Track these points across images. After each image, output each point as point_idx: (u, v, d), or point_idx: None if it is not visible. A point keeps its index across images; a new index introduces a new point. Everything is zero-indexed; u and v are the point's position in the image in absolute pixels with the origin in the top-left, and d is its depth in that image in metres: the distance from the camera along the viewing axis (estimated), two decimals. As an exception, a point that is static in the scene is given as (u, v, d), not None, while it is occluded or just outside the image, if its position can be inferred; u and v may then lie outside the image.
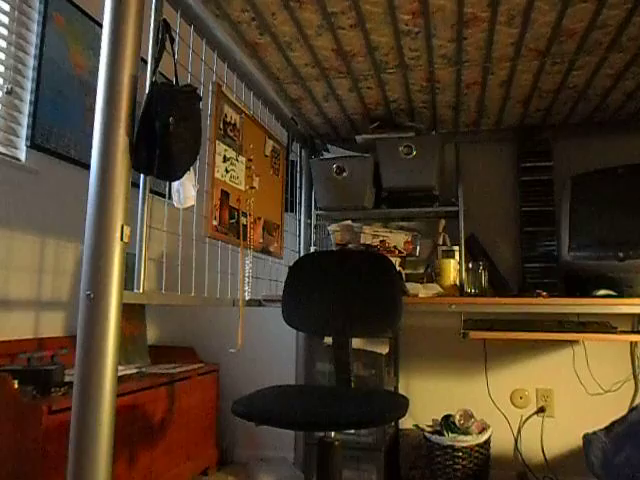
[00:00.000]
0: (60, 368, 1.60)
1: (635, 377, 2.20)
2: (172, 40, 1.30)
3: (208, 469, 2.34)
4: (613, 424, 1.80)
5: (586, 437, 1.85)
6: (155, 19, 1.28)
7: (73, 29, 2.16)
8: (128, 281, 1.14)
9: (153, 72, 1.25)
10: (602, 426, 1.83)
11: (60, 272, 2.10)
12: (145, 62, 1.25)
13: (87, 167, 1.14)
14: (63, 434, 1.47)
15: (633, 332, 2.16)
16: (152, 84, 1.22)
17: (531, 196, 2.29)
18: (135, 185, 1.19)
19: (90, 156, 1.13)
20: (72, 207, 2.15)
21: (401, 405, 1.36)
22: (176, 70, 1.33)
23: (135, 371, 2.11)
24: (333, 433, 1.45)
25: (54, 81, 2.04)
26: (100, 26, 2.22)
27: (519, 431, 2.29)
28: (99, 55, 1.15)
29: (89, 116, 2.21)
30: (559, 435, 2.25)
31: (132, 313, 2.37)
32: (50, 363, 1.64)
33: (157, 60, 1.26)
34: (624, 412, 1.85)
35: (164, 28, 1.28)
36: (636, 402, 2.18)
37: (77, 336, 1.07)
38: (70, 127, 2.13)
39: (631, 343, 2.21)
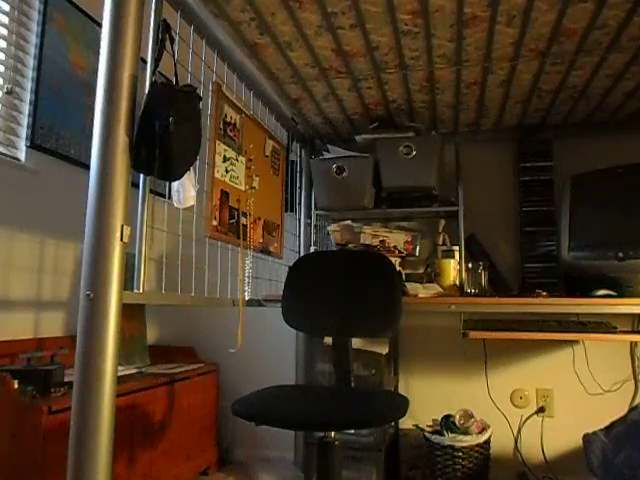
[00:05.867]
0: (60, 368, 1.60)
1: (635, 377, 2.20)
2: (172, 40, 1.30)
3: (208, 469, 2.34)
4: (613, 424, 1.80)
5: (586, 437, 1.85)
6: (155, 19, 1.28)
7: (73, 29, 2.16)
8: (128, 281, 1.14)
9: (153, 72, 1.25)
10: (602, 426, 1.83)
11: (60, 272, 2.10)
12: (145, 62, 1.25)
13: (87, 167, 1.14)
14: (63, 434, 1.47)
15: (633, 332, 2.16)
16: (152, 84, 1.22)
17: (531, 196, 2.29)
18: (135, 185, 1.19)
19: (90, 156, 1.13)
20: (72, 207, 2.15)
21: (401, 405, 1.36)
22: (176, 70, 1.33)
23: (135, 371, 2.11)
24: (333, 433, 1.45)
25: (54, 81, 2.04)
26: (100, 26, 2.22)
27: (519, 431, 2.29)
28: (99, 55, 1.15)
29: (89, 116, 2.21)
30: (559, 435, 2.25)
31: (132, 313, 2.36)
32: (50, 363, 1.64)
33: (157, 60, 1.26)
34: (624, 412, 1.85)
35: (164, 28, 1.28)
36: (636, 402, 2.18)
37: (77, 336, 1.07)
38: (70, 127, 2.13)
39: (631, 343, 2.21)
